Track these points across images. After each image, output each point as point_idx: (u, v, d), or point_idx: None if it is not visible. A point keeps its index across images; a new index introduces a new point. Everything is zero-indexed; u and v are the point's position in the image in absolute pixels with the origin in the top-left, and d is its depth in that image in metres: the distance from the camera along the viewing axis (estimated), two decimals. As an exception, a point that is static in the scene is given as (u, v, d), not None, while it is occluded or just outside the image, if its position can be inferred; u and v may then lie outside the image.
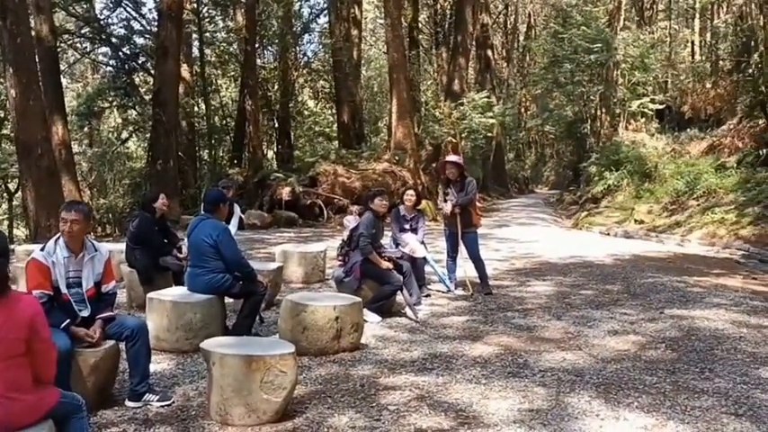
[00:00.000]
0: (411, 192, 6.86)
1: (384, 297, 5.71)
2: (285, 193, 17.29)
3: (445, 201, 6.96)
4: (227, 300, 5.30)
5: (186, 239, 5.24)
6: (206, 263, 4.79)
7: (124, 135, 24.40)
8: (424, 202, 15.39)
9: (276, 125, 24.89)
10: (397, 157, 19.44)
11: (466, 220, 6.93)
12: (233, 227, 7.16)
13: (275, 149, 25.15)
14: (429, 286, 7.13)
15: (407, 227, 6.79)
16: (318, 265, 7.89)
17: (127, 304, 6.46)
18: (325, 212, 17.09)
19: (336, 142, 24.58)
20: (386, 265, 5.76)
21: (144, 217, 6.27)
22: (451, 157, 7.13)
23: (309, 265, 7.76)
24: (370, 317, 5.66)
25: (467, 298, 6.86)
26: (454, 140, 20.95)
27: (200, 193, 20.32)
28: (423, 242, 6.83)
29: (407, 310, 5.87)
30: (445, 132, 21.57)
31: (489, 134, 24.07)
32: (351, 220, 6.59)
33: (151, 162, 17.41)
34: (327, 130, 28.04)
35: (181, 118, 19.48)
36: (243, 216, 13.12)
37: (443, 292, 7.11)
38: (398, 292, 5.82)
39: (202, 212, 5.04)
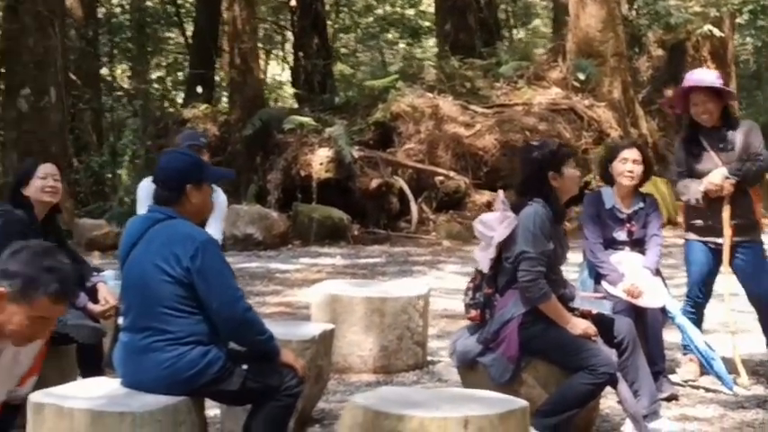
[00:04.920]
0: (631, 152, 6.50)
1: (575, 401, 5.40)
2: (319, 163, 16.30)
3: (691, 175, 6.57)
4: (213, 409, 5.40)
5: (116, 270, 5.50)
6: (165, 322, 4.66)
7: None
8: (655, 181, 14.64)
9: (294, 4, 23.26)
10: (581, 76, 18.02)
11: (742, 215, 6.58)
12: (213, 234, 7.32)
13: (290, 62, 24.66)
14: (677, 375, 6.82)
15: (621, 235, 6.55)
16: (411, 329, 7.38)
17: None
18: (413, 207, 15.95)
19: (434, 41, 23.93)
20: (580, 326, 5.46)
21: (9, 221, 5.99)
22: (702, 76, 6.66)
23: (391, 331, 7.33)
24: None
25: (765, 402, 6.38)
26: (717, 32, 19.17)
27: (114, 165, 20.36)
28: (659, 272, 6.51)
29: (628, 428, 5.59)
30: (696, 14, 19.69)
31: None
32: (491, 223, 5.83)
33: (4, 96, 16.97)
34: (410, 13, 27.36)
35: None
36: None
37: (711, 391, 6.62)
38: (611, 388, 5.58)
39: (153, 203, 5.07)
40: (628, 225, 6.59)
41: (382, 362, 7.31)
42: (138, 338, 4.78)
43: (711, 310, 7.07)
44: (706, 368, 6.57)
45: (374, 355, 7.31)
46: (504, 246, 5.51)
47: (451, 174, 16.39)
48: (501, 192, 5.95)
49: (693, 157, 6.67)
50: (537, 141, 6.39)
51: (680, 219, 11.79)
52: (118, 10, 24.93)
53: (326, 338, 6.22)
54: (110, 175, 20.23)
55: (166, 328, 4.69)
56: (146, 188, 7.30)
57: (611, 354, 5.54)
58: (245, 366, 4.76)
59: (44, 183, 6.12)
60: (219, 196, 7.51)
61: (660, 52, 21.77)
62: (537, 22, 31.49)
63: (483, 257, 5.64)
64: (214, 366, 4.70)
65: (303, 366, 4.96)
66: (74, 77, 19.48)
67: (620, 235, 6.57)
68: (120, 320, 5.14)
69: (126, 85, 25.18)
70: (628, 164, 6.44)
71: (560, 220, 5.71)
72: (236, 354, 4.82)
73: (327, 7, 26.64)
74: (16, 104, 16.61)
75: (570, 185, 5.62)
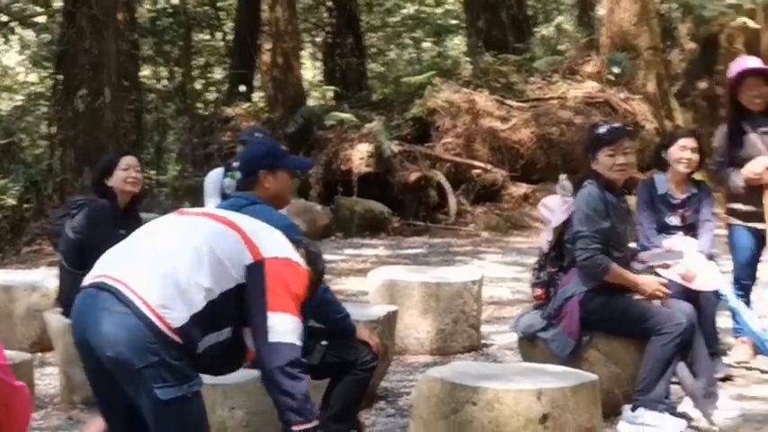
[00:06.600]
0: (689, 140, 6.31)
1: (664, 365, 5.25)
2: (359, 158, 16.08)
3: (733, 162, 6.36)
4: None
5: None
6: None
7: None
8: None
9: (330, 4, 23.14)
10: (616, 69, 17.49)
11: None
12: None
13: (323, 59, 24.14)
14: (730, 358, 6.61)
15: (674, 221, 6.39)
16: (466, 312, 7.29)
17: (62, 396, 6.21)
18: (451, 200, 15.56)
19: (459, 39, 23.61)
20: (652, 284, 5.38)
21: (96, 208, 6.00)
22: (755, 62, 6.62)
23: (447, 314, 7.23)
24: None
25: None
26: (752, 24, 18.62)
27: (158, 162, 19.99)
28: (712, 257, 6.31)
29: (687, 406, 5.42)
30: (730, 6, 18.59)
31: None
32: (553, 206, 5.86)
33: (61, 96, 16.74)
34: (438, 11, 26.36)
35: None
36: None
37: (766, 372, 6.47)
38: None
39: (234, 190, 5.14)
40: (681, 210, 6.48)
41: (438, 344, 7.23)
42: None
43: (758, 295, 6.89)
44: (761, 349, 6.42)
45: (431, 337, 7.22)
46: (565, 228, 5.50)
47: (488, 167, 15.87)
48: (562, 176, 5.69)
49: (736, 145, 6.46)
50: (601, 123, 6.12)
51: (718, 209, 11.68)
52: (152, 15, 24.23)
53: (390, 319, 6.20)
54: (153, 172, 20.04)
55: None
56: (213, 179, 7.17)
57: (689, 308, 5.43)
58: (324, 342, 4.78)
59: (126, 174, 6.12)
60: None
61: (693, 45, 21.14)
62: (560, 18, 31.29)
63: (544, 239, 5.65)
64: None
65: (377, 343, 4.95)
66: (125, 82, 18.71)
67: (673, 220, 6.48)
68: None
69: (162, 87, 24.50)
70: (686, 151, 6.30)
71: (621, 195, 5.63)
72: (317, 331, 4.81)
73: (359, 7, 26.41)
74: (73, 104, 16.11)
75: (604, 171, 5.47)
